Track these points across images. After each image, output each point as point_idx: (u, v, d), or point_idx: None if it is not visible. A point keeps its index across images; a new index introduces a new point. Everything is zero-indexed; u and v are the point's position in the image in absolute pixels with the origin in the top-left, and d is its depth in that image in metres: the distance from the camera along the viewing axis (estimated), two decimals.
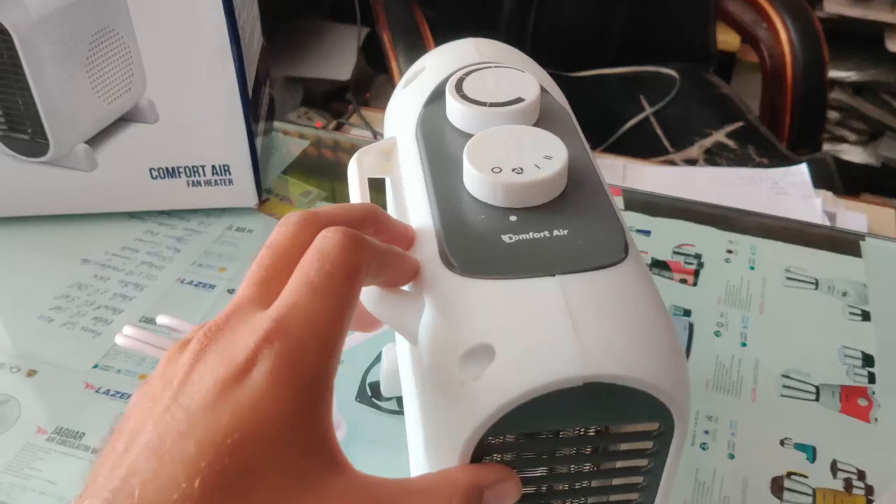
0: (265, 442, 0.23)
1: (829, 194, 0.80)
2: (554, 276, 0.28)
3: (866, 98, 1.90)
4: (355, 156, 0.38)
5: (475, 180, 0.31)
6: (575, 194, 0.32)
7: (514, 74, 0.37)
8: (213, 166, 0.62)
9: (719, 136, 1.34)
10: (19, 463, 0.48)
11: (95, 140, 0.60)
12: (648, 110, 1.39)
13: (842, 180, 1.23)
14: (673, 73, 1.45)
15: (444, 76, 0.38)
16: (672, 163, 1.30)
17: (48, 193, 0.62)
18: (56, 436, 0.49)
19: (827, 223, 0.72)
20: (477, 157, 0.32)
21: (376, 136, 0.89)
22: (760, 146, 1.31)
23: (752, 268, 0.61)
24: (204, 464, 0.22)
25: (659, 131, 1.37)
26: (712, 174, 0.85)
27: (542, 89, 0.37)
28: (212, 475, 0.22)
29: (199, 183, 0.63)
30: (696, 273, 0.60)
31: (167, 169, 0.62)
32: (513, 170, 0.31)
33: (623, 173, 0.83)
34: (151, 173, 0.62)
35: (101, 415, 0.50)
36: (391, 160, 0.39)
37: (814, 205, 0.76)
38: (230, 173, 0.62)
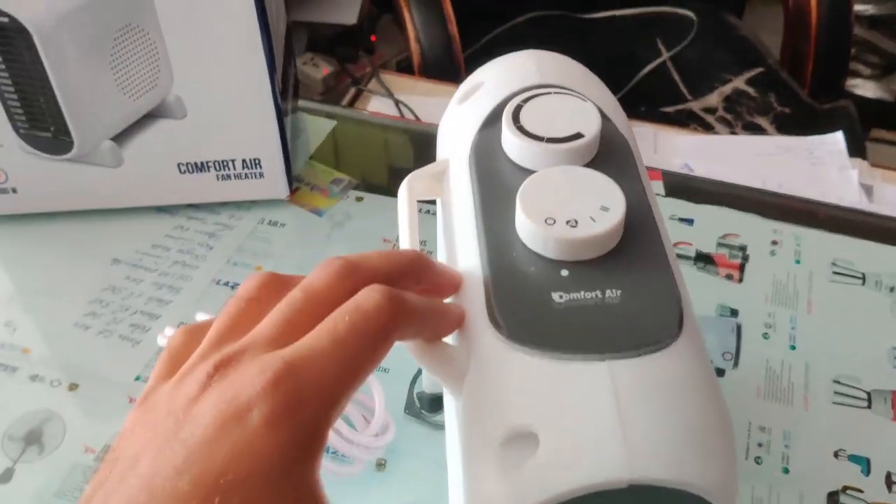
0: (257, 486, 0.23)
1: (865, 164, 0.78)
2: (604, 359, 0.27)
3: (882, 31, 1.85)
4: (406, 181, 0.37)
5: (528, 230, 0.30)
6: (631, 246, 0.31)
7: (575, 103, 0.35)
8: (244, 160, 0.60)
9: (739, 82, 1.31)
10: (70, 486, 0.47)
11: (121, 136, 0.58)
12: (665, 55, 1.35)
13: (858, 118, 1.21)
14: (691, 14, 1.41)
15: (501, 97, 0.36)
16: (691, 112, 1.28)
17: (73, 189, 0.60)
18: (104, 455, 0.49)
19: (864, 198, 0.71)
20: (530, 205, 0.30)
21: (398, 104, 0.87)
22: (781, 93, 1.28)
23: (798, 262, 0.60)
24: (195, 503, 0.22)
25: (676, 77, 1.34)
26: (746, 143, 0.83)
27: (604, 116, 0.35)
28: None
29: (228, 177, 0.61)
30: (742, 268, 0.59)
31: (196, 164, 0.60)
32: (567, 222, 0.30)
33: (654, 143, 0.81)
34: (180, 168, 0.60)
35: None
36: (442, 182, 0.38)
37: (850, 177, 0.75)
38: (261, 167, 0.60)
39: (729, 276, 0.59)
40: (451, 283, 0.32)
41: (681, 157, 0.77)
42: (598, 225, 0.30)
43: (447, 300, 0.32)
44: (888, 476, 0.48)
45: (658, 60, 1.36)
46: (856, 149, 1.02)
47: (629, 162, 0.34)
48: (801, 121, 1.22)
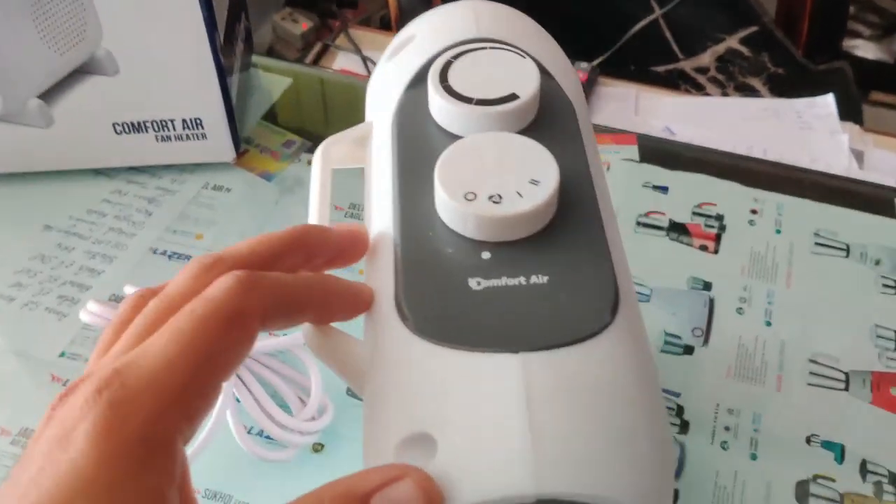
0: None
1: (857, 129, 0.74)
2: (517, 353, 0.23)
3: None
4: (322, 146, 0.33)
5: (446, 206, 0.26)
6: (565, 225, 0.27)
7: (512, 60, 0.31)
8: (184, 120, 0.56)
9: (732, 41, 1.25)
10: None
11: (50, 94, 0.54)
12: (658, 11, 1.30)
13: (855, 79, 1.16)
14: None
15: (433, 51, 0.32)
16: (682, 72, 1.23)
17: (1, 151, 0.56)
18: (21, 438, 0.45)
19: (854, 164, 0.67)
20: (449, 177, 0.27)
21: (366, 62, 0.82)
22: (776, 53, 1.23)
23: (779, 231, 0.56)
24: None
25: (668, 35, 1.29)
26: (732, 105, 0.78)
27: (546, 74, 0.31)
28: None
29: (168, 138, 0.56)
30: (718, 238, 0.55)
31: (132, 124, 0.55)
32: (490, 197, 0.26)
33: (636, 104, 0.77)
34: (115, 128, 0.56)
35: None
36: (366, 148, 0.34)
37: (840, 142, 0.70)
38: (203, 127, 0.56)
39: (703, 247, 0.55)
40: (352, 247, 0.29)
41: (662, 120, 0.73)
42: (525, 201, 0.26)
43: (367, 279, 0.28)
44: (863, 464, 0.45)
45: (649, 18, 1.31)
46: (850, 112, 0.98)
47: (571, 127, 0.30)
48: (794, 82, 1.17)
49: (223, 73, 0.54)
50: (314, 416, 0.45)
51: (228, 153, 0.58)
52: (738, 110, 0.77)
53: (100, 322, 0.46)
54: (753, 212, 0.57)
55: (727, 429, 0.46)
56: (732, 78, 1.23)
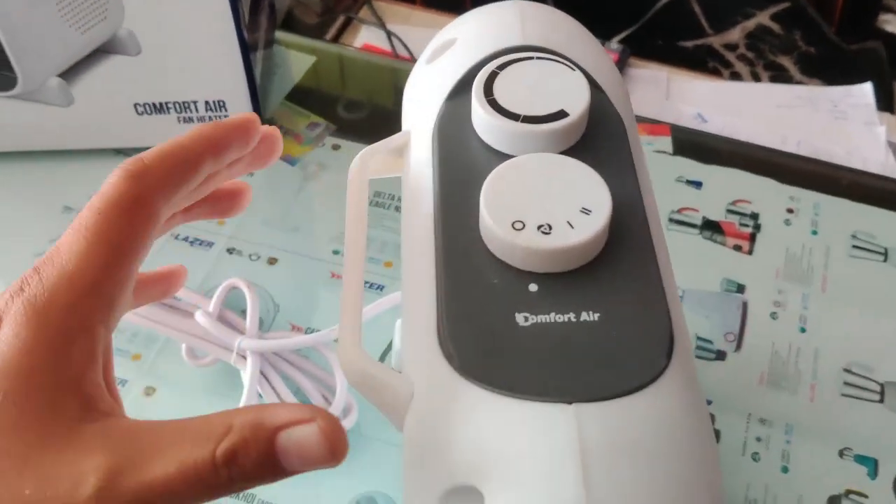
0: (2, 393, 0.22)
1: (894, 120, 0.71)
2: (571, 403, 0.22)
3: None
4: (359, 157, 0.31)
5: (492, 235, 0.25)
6: (616, 255, 0.26)
7: (561, 72, 0.29)
8: (207, 102, 0.54)
9: (763, 17, 1.22)
10: None
11: (70, 73, 0.52)
12: None
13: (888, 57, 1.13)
14: None
15: (475, 59, 0.31)
16: (711, 49, 1.20)
17: (21, 129, 0.55)
18: None
19: (892, 158, 0.65)
20: (496, 204, 0.25)
21: (390, 37, 0.80)
22: (807, 31, 1.19)
23: (815, 232, 0.54)
24: None
25: (697, 10, 1.25)
26: (766, 92, 0.76)
27: (595, 86, 0.30)
28: None
29: (191, 119, 0.55)
30: (753, 238, 0.54)
31: (154, 105, 0.54)
32: (539, 227, 0.25)
33: (667, 88, 0.75)
34: (137, 109, 0.54)
35: None
36: (403, 157, 0.32)
37: (877, 134, 0.68)
38: (226, 109, 0.55)
39: (737, 248, 0.53)
40: (246, 136, 0.29)
41: (694, 105, 0.71)
42: (577, 232, 0.25)
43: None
44: None
45: None
46: (884, 95, 0.95)
47: (622, 146, 0.29)
48: (826, 62, 1.14)
49: (247, 52, 0.52)
50: (339, 417, 0.44)
51: None
52: (771, 97, 0.75)
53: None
54: (789, 211, 0.55)
55: (759, 440, 0.45)
56: (762, 56, 1.20)
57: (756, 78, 1.12)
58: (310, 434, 0.21)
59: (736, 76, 1.14)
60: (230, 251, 0.53)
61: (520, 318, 0.24)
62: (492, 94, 0.28)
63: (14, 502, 0.21)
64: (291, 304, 0.50)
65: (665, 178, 0.57)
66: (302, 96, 0.62)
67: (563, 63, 0.29)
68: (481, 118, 0.28)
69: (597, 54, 0.32)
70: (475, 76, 0.30)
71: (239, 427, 0.21)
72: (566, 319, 0.24)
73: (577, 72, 0.29)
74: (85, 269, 0.24)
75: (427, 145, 0.30)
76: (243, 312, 0.46)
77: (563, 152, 0.28)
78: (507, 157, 0.28)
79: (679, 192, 0.56)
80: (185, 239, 0.53)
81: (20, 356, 0.22)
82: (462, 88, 0.30)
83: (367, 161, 0.31)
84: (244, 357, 0.44)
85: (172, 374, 0.47)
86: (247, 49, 0.52)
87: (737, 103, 0.72)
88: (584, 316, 0.24)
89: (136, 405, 0.46)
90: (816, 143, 0.66)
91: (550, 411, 0.22)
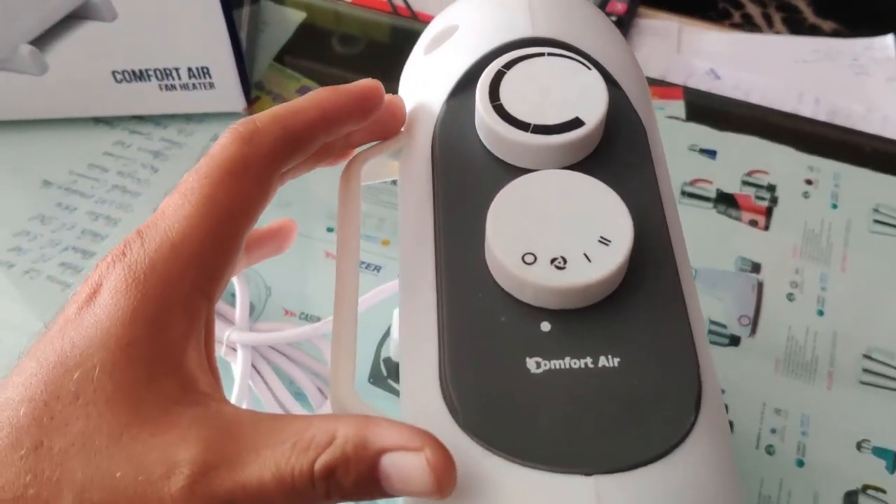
0: (99, 365, 0.21)
1: None
2: (591, 475, 0.20)
3: None
4: (350, 163, 0.28)
5: (500, 269, 0.23)
6: (637, 288, 0.23)
7: (576, 72, 0.26)
8: (190, 69, 0.51)
9: None
10: None
11: (43, 40, 0.49)
12: None
13: None
14: None
15: (479, 53, 0.28)
16: None
17: None
18: None
19: None
20: (504, 233, 0.23)
21: None
22: None
23: (835, 206, 0.51)
24: (39, 390, 0.21)
25: None
26: (782, 44, 0.72)
27: (613, 84, 0.27)
28: (39, 404, 0.21)
29: (173, 87, 0.52)
30: (769, 212, 0.51)
31: (133, 72, 0.51)
32: (553, 260, 0.22)
33: (678, 39, 0.70)
34: (115, 76, 0.51)
35: None
36: (400, 158, 0.29)
37: None
38: (210, 76, 0.51)
39: (753, 223, 0.51)
40: (368, 104, 0.26)
41: (707, 60, 0.67)
42: (595, 266, 0.22)
43: None
44: None
45: None
46: None
47: (643, 157, 0.26)
48: (841, 2, 1.09)
49: (231, 14, 0.49)
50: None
51: (239, 102, 0.53)
52: (788, 50, 0.71)
53: None
54: (808, 182, 0.52)
55: (773, 431, 0.43)
56: None
57: (768, 20, 1.07)
58: (416, 465, 0.20)
59: (747, 18, 1.09)
60: None
61: (531, 363, 0.22)
62: (498, 99, 0.25)
63: (104, 484, 0.20)
64: (284, 287, 0.48)
65: (678, 146, 0.54)
66: (292, 57, 0.59)
67: (577, 60, 0.26)
68: (486, 127, 0.25)
69: (614, 44, 0.29)
70: (478, 73, 0.26)
71: (342, 441, 0.20)
72: (583, 365, 0.22)
73: (594, 71, 0.26)
74: (189, 237, 0.22)
75: (426, 152, 0.27)
76: (234, 297, 0.44)
77: (578, 163, 0.25)
78: (515, 169, 0.25)
79: (692, 161, 0.53)
80: None
81: (118, 327, 0.21)
82: (464, 87, 0.27)
83: (358, 169, 0.28)
84: (234, 349, 0.42)
85: None
86: (230, 10, 0.48)
87: (751, 57, 0.68)
88: (602, 361, 0.22)
89: None
90: (835, 100, 0.63)
91: (568, 485, 0.20)
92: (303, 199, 0.51)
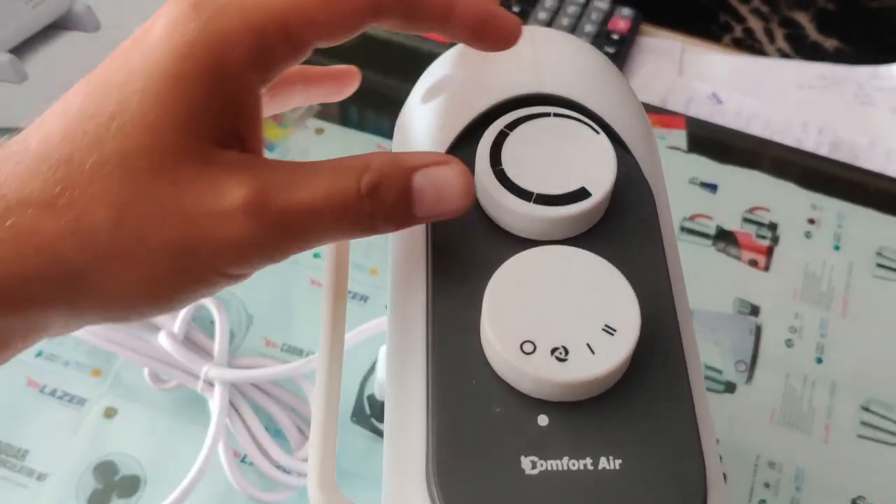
0: (142, 91, 0.20)
1: None
2: None
3: None
4: None
5: (497, 357, 0.21)
6: (643, 379, 0.22)
7: (583, 136, 0.25)
8: None
9: None
10: None
11: (23, 49, 0.47)
12: None
13: None
14: None
15: (480, 108, 0.26)
16: (724, 2, 1.13)
17: None
18: None
19: None
20: (502, 318, 0.21)
21: None
22: None
23: (837, 247, 0.50)
24: (74, 110, 0.21)
25: None
26: (786, 69, 0.70)
27: (622, 147, 0.25)
28: (72, 122, 0.21)
29: None
30: (770, 252, 0.50)
31: None
32: (553, 350, 0.21)
33: (680, 59, 0.69)
34: None
35: (49, 427, 0.42)
36: None
37: None
38: None
39: (753, 262, 0.49)
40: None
41: (710, 83, 0.65)
42: (598, 359, 0.21)
43: None
44: None
45: None
46: None
47: (651, 228, 0.24)
48: (844, 19, 1.08)
49: None
50: None
51: None
52: (792, 75, 0.69)
53: (77, 332, 0.41)
54: (811, 221, 0.51)
55: (766, 485, 0.42)
56: (777, 11, 1.14)
57: (770, 35, 1.06)
58: (448, 174, 0.22)
59: (748, 32, 1.08)
60: None
61: (526, 462, 0.20)
62: (500, 164, 0.24)
63: (149, 201, 0.20)
64: (266, 315, 0.46)
65: (678, 179, 0.52)
66: None
67: (585, 123, 0.25)
68: (487, 193, 0.24)
69: (626, 104, 0.27)
70: (479, 129, 0.25)
71: (378, 165, 0.21)
72: (582, 467, 0.20)
73: (602, 135, 0.24)
74: (260, 10, 0.21)
75: None
76: (214, 324, 0.42)
77: (582, 235, 0.24)
78: (515, 238, 0.24)
79: (693, 195, 0.52)
80: None
81: (168, 60, 0.20)
82: (464, 143, 0.25)
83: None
84: (212, 385, 0.40)
85: (136, 392, 0.43)
86: None
87: (755, 81, 0.67)
88: (602, 463, 0.20)
89: (94, 429, 0.42)
90: (839, 130, 0.61)
91: None
92: None
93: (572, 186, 0.23)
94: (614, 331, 0.21)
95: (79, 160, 0.20)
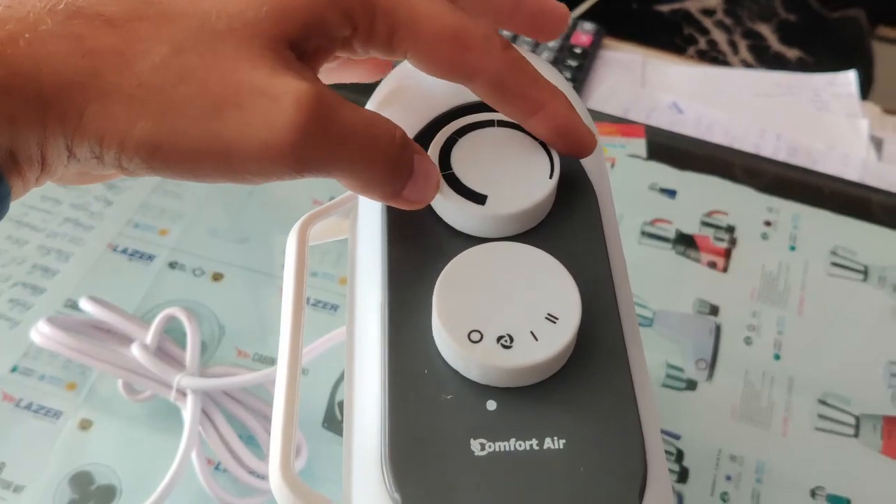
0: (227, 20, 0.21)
1: (877, 110, 0.69)
2: None
3: None
4: (299, 224, 0.28)
5: (446, 347, 0.22)
6: (585, 364, 0.23)
7: (527, 141, 0.26)
8: None
9: None
10: None
11: None
12: None
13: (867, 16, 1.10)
14: None
15: (430, 115, 0.27)
16: (688, 14, 1.16)
17: None
18: None
19: (874, 154, 0.62)
20: (450, 310, 0.22)
21: None
22: None
23: (793, 248, 0.52)
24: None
25: None
26: (745, 79, 0.72)
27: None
28: None
29: None
30: (728, 253, 0.51)
31: None
32: (499, 338, 0.22)
33: (642, 72, 0.71)
34: None
35: (25, 440, 0.43)
36: (349, 219, 0.29)
37: (859, 127, 0.66)
38: None
39: (712, 264, 0.51)
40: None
41: (670, 93, 0.67)
42: (541, 346, 0.22)
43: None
44: None
45: None
46: (864, 71, 0.92)
47: (593, 225, 0.26)
48: (806, 30, 1.11)
49: None
50: None
51: None
52: (751, 84, 0.71)
53: (52, 345, 0.41)
54: (767, 223, 0.53)
55: (728, 478, 0.43)
56: (740, 23, 1.17)
57: (733, 47, 1.09)
58: (432, 165, 0.24)
59: (712, 44, 1.10)
60: (172, 265, 0.49)
61: (476, 445, 0.21)
62: (450, 168, 0.25)
63: (226, 74, 0.20)
64: (238, 326, 0.47)
65: (638, 185, 0.54)
66: None
67: (524, 133, 0.26)
68: (439, 196, 0.25)
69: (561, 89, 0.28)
70: (429, 136, 0.26)
71: (404, 133, 0.23)
72: (528, 447, 0.21)
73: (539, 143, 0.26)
74: None
75: (376, 214, 0.26)
76: (186, 336, 0.43)
77: (527, 232, 0.25)
78: (465, 236, 0.25)
79: (652, 201, 0.53)
80: (124, 251, 0.49)
81: None
82: None
83: (306, 231, 0.27)
84: (185, 394, 0.41)
85: (111, 404, 0.44)
86: None
87: (714, 91, 0.69)
88: (547, 443, 0.22)
89: (70, 441, 0.43)
90: (797, 136, 0.63)
91: None
92: (259, 233, 0.51)
93: (518, 186, 0.25)
94: (556, 319, 0.22)
95: (162, 4, 0.21)
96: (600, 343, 0.23)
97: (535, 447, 0.21)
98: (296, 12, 0.22)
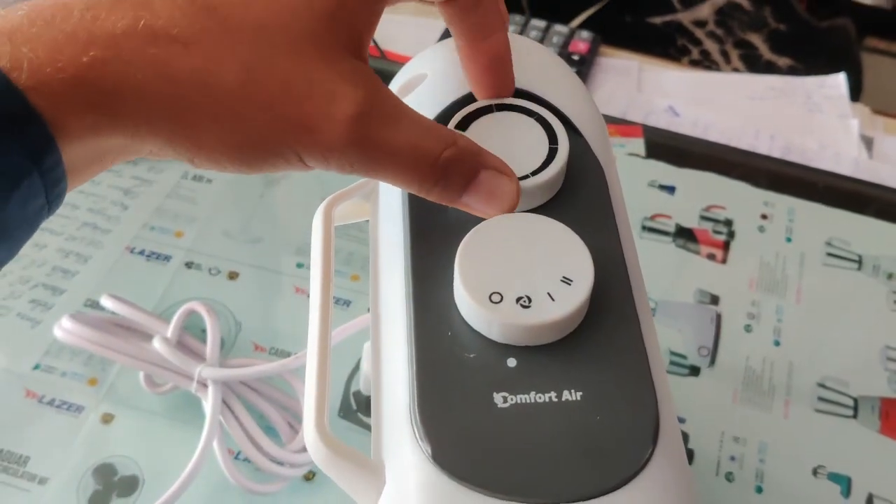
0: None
1: (867, 111, 0.71)
2: None
3: None
4: (323, 205, 0.29)
5: (468, 308, 0.24)
6: (599, 324, 0.25)
7: (539, 120, 0.28)
8: None
9: None
10: None
11: None
12: None
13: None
14: None
15: (446, 101, 0.29)
16: (680, 25, 1.18)
17: None
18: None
19: (864, 153, 0.64)
20: (471, 273, 0.24)
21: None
22: (777, 7, 1.18)
23: (789, 239, 0.53)
24: None
25: None
26: (739, 83, 0.75)
27: (574, 131, 0.28)
28: None
29: None
30: (726, 246, 0.53)
31: None
32: (518, 299, 0.23)
33: (638, 78, 0.73)
34: None
35: (48, 434, 0.44)
36: (371, 201, 0.31)
37: (850, 127, 0.67)
38: None
39: (711, 256, 0.52)
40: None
41: (666, 97, 0.69)
42: (558, 306, 0.23)
43: None
44: (869, 498, 0.44)
45: None
46: (853, 75, 0.95)
47: (603, 199, 0.27)
48: (796, 39, 1.13)
49: None
50: (304, 447, 0.43)
51: None
52: (744, 88, 0.73)
53: (74, 341, 0.43)
54: (764, 217, 0.54)
55: (732, 459, 0.45)
56: (731, 33, 1.19)
57: (725, 56, 1.11)
58: (506, 186, 0.25)
59: (705, 54, 1.13)
60: (189, 265, 0.50)
61: (498, 398, 0.23)
62: None
63: (273, 71, 0.22)
64: (254, 322, 0.48)
65: (637, 182, 0.56)
66: None
67: (540, 110, 0.28)
68: None
69: (575, 92, 0.30)
70: (446, 121, 0.28)
71: (462, 146, 0.24)
72: (547, 399, 0.23)
73: (556, 119, 0.27)
74: None
75: (397, 193, 0.28)
76: (204, 332, 0.44)
77: (542, 207, 0.27)
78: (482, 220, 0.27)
79: (652, 197, 0.55)
80: (142, 253, 0.51)
81: None
82: None
83: (331, 211, 0.29)
84: (205, 385, 0.42)
85: (131, 398, 0.45)
86: None
87: (709, 95, 0.71)
88: (565, 395, 0.23)
89: (92, 434, 0.44)
90: (790, 137, 0.65)
91: None
92: (271, 233, 0.52)
93: (531, 162, 0.26)
94: (571, 281, 0.24)
95: (222, 15, 0.22)
96: (612, 305, 0.25)
97: (554, 399, 0.23)
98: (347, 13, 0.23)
